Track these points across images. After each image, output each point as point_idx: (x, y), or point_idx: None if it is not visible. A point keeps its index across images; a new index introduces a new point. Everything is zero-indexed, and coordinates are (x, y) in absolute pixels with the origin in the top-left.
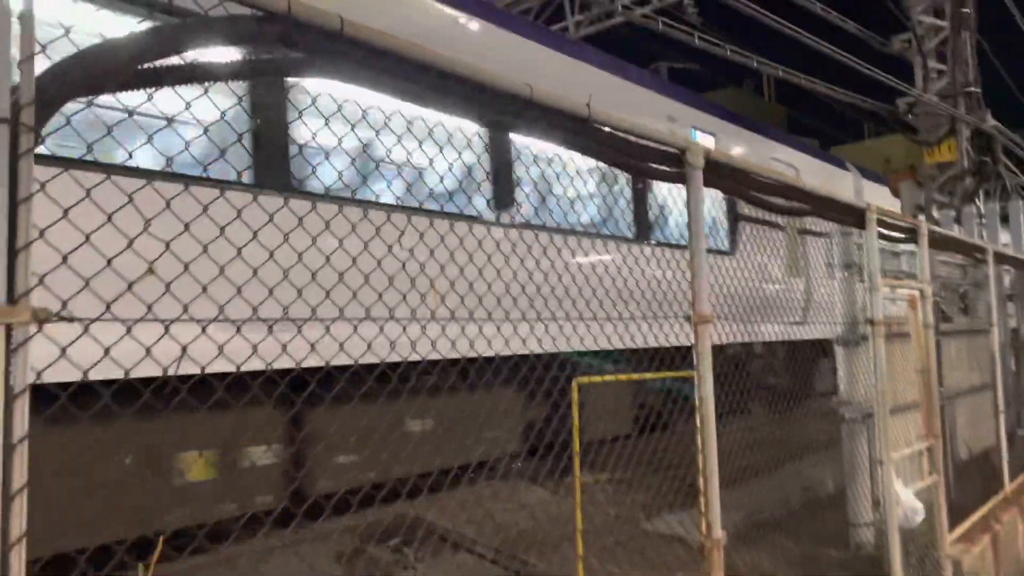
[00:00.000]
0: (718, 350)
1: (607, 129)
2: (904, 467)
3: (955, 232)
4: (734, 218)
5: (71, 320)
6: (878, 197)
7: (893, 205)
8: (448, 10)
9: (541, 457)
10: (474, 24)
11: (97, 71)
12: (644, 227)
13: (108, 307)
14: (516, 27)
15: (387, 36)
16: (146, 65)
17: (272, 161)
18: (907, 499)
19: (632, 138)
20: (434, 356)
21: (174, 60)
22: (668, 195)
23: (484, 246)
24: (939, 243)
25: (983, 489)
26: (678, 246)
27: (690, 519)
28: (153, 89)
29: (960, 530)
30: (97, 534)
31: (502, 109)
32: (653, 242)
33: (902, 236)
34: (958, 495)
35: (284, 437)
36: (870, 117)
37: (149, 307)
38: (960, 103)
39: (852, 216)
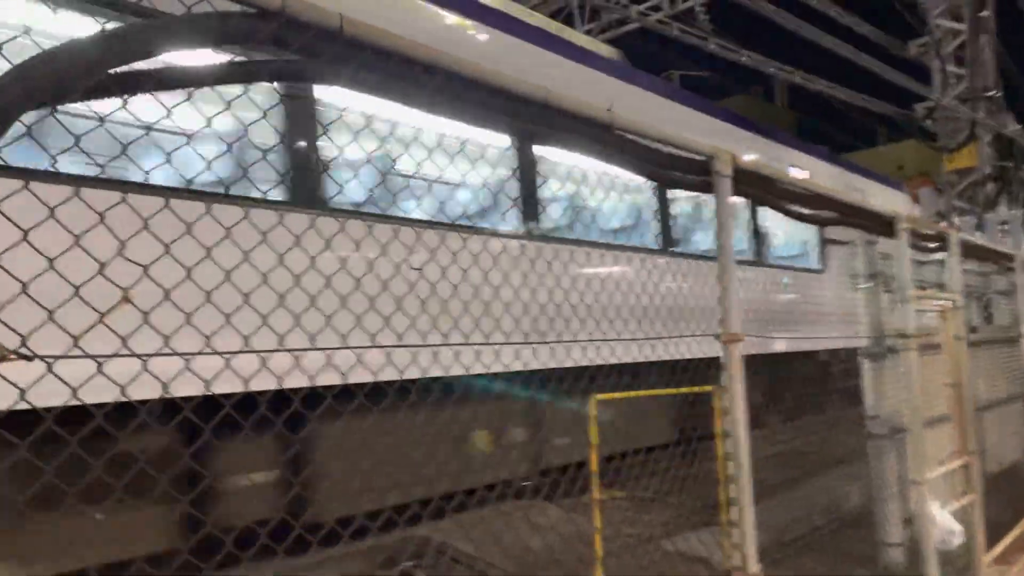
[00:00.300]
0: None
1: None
2: (937, 485)
3: (977, 239)
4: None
5: (30, 358)
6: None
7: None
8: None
9: (553, 474)
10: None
11: (64, 73)
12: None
13: (76, 341)
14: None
15: (393, 36)
16: (121, 69)
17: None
18: (944, 520)
19: (656, 145)
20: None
21: (152, 64)
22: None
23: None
24: (969, 252)
25: (1014, 505)
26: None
27: (712, 538)
28: (128, 96)
29: (997, 550)
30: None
31: (519, 115)
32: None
33: (932, 246)
34: (987, 511)
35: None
36: (886, 123)
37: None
38: (980, 107)
39: (881, 225)
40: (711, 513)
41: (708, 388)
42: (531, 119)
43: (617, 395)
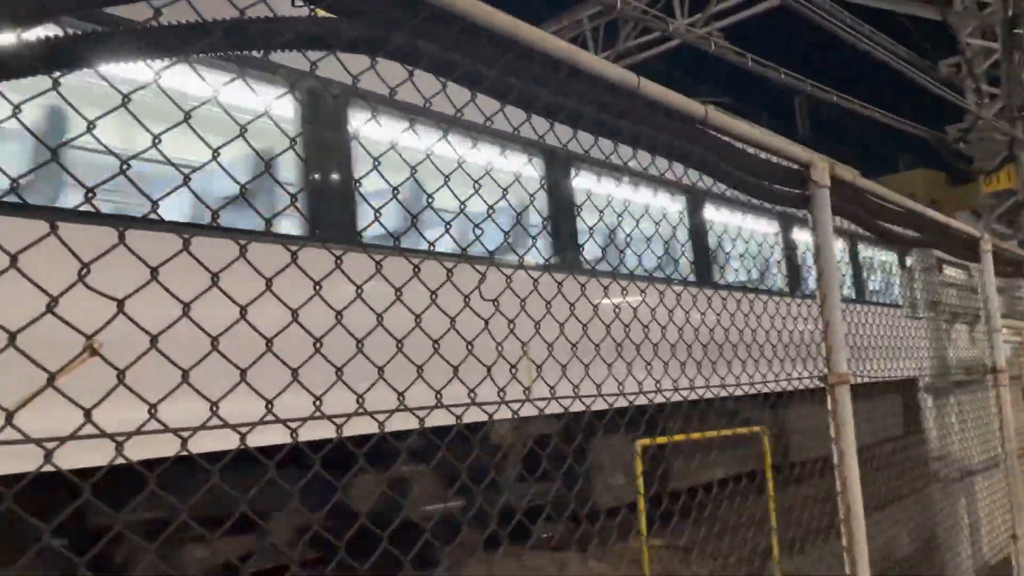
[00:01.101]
0: None
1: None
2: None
3: None
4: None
5: None
6: None
7: None
8: None
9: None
10: None
11: None
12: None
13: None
14: None
15: None
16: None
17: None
18: None
19: (741, 146)
20: None
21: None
22: None
23: None
24: None
25: None
26: None
27: None
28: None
29: None
30: None
31: (606, 106)
32: None
33: (1012, 269)
34: None
35: None
36: (909, 150)
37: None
38: (1018, 127)
39: (963, 247)
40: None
41: (756, 429)
42: (618, 111)
43: (661, 439)
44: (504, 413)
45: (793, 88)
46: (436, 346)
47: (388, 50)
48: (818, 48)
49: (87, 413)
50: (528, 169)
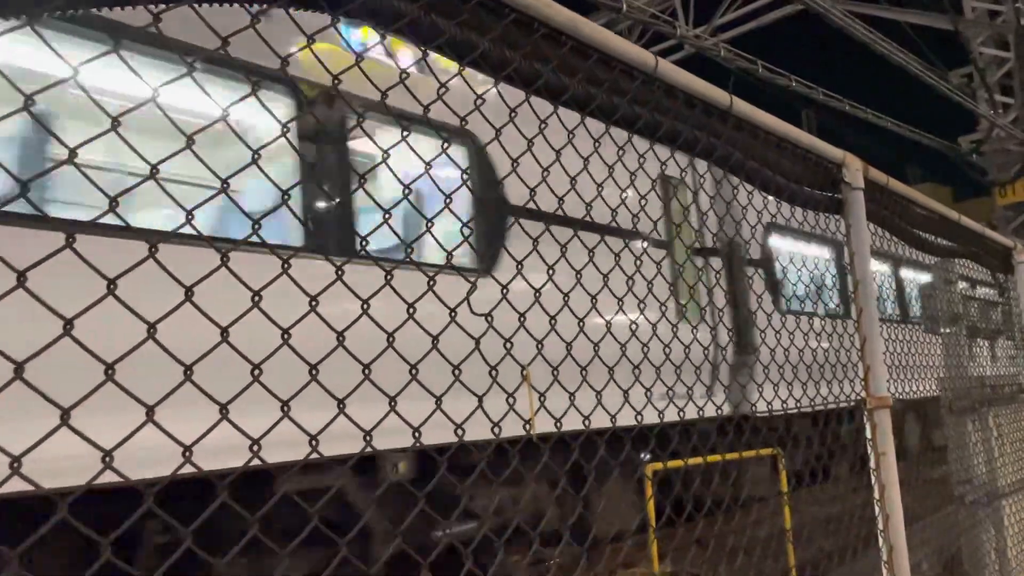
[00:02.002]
0: None
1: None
2: None
3: None
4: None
5: None
6: None
7: None
8: None
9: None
10: None
11: None
12: None
13: None
14: None
15: None
16: None
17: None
18: None
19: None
20: None
21: None
22: None
23: None
24: None
25: None
26: None
27: None
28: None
29: None
30: None
31: (621, 88)
32: None
33: None
34: None
35: None
36: (917, 163)
37: None
38: None
39: (994, 257)
40: None
41: (771, 451)
42: (635, 97)
43: (674, 463)
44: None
45: (800, 101)
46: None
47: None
48: (825, 62)
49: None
50: None
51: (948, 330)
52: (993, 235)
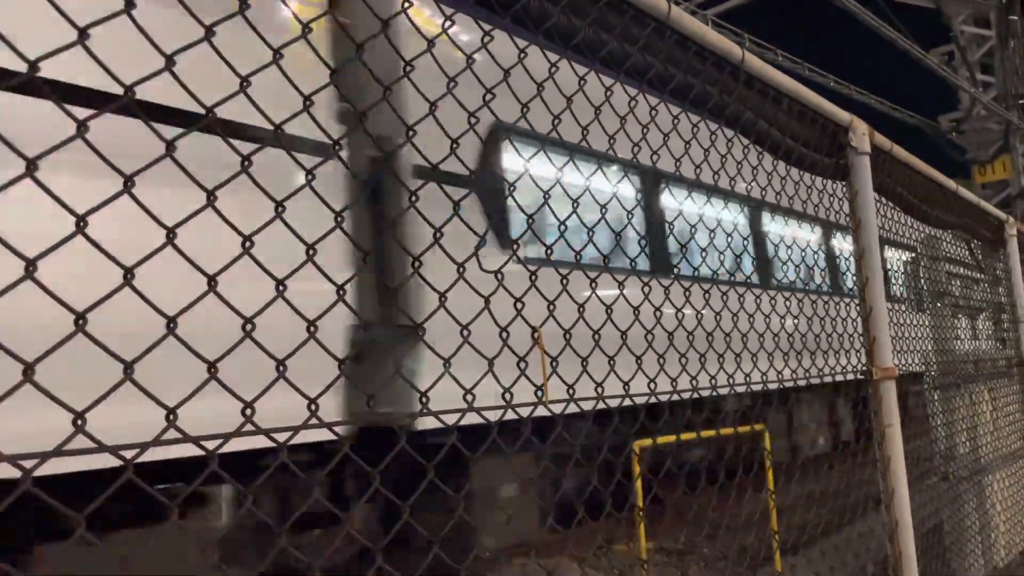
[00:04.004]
0: None
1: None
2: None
3: None
4: None
5: None
6: None
7: None
8: None
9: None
10: None
11: None
12: None
13: None
14: None
15: None
16: None
17: None
18: None
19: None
20: None
21: None
22: None
23: None
24: None
25: None
26: None
27: None
28: None
29: None
30: None
31: (632, 35)
32: None
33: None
34: None
35: None
36: (903, 143)
37: None
38: (1014, 114)
39: (987, 230)
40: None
41: (759, 427)
42: (646, 48)
43: (662, 439)
44: None
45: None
46: None
47: None
48: (809, 39)
49: None
50: None
51: (933, 306)
52: (988, 207)
